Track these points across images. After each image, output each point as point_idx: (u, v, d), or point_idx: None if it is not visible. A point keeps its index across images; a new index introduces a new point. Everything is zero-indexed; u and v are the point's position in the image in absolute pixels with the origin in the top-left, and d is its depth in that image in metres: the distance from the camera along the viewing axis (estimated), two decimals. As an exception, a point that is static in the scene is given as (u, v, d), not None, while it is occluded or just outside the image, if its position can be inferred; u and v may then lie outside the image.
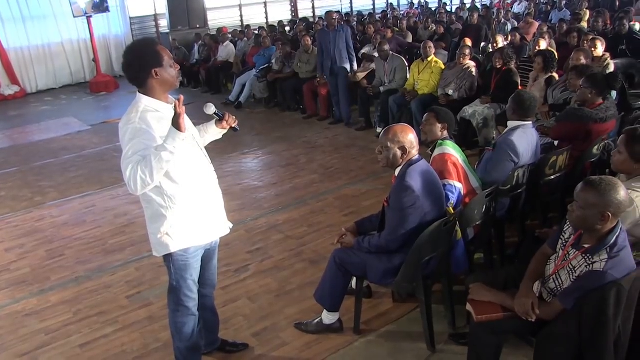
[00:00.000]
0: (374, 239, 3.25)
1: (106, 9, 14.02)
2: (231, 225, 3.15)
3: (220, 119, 2.91)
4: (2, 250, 5.29)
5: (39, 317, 4.08)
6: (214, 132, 3.02)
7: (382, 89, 7.95)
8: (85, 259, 4.92)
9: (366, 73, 8.64)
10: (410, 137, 3.17)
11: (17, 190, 6.86)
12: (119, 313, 4.02)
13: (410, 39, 10.75)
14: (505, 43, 8.12)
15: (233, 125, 2.97)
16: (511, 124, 4.05)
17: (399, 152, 3.16)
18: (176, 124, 2.44)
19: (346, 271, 3.37)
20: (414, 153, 3.20)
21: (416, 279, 3.23)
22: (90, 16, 13.60)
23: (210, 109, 2.85)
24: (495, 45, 7.74)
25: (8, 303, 4.32)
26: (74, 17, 13.61)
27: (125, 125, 2.57)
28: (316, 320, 3.55)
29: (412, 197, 3.05)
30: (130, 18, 15.81)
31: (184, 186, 2.72)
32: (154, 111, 2.62)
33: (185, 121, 2.55)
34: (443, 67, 7.36)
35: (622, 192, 2.37)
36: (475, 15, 10.99)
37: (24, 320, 4.07)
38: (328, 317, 3.49)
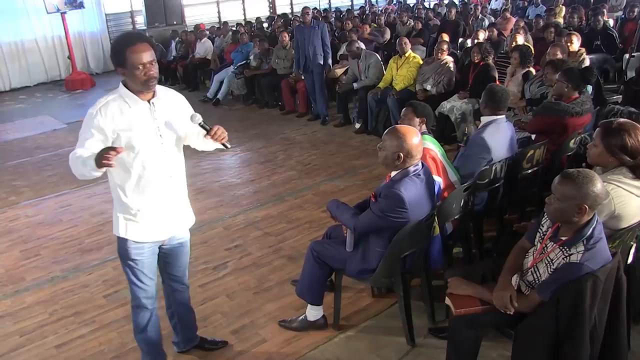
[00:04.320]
0: (348, 214, 3.25)
1: (80, 5, 13.77)
2: (190, 225, 3.13)
3: (206, 131, 2.75)
4: (-25, 251, 5.19)
5: (13, 319, 4.01)
6: (204, 142, 2.91)
7: (355, 85, 7.95)
8: (61, 259, 4.85)
9: (344, 69, 8.64)
10: (411, 143, 3.01)
11: (-10, 190, 6.75)
12: (95, 313, 3.96)
13: (388, 35, 10.76)
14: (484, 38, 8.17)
15: (223, 142, 2.80)
16: (484, 119, 4.07)
17: (394, 156, 3.04)
18: (98, 161, 2.43)
19: (323, 263, 3.36)
20: (414, 161, 3.07)
21: (394, 274, 3.22)
22: (64, 12, 13.37)
23: (196, 119, 2.73)
24: (476, 40, 7.77)
25: (-19, 305, 4.24)
26: (47, 13, 13.37)
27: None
28: (300, 317, 3.54)
29: (402, 212, 2.98)
30: (106, 14, 15.57)
31: (133, 180, 2.76)
32: (123, 102, 2.68)
33: (160, 113, 2.73)
34: (421, 62, 7.38)
35: (598, 185, 2.39)
36: (453, 11, 11.05)
37: (-2, 322, 4.00)
38: (312, 313, 3.48)
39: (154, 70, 2.62)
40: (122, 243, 2.90)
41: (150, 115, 2.72)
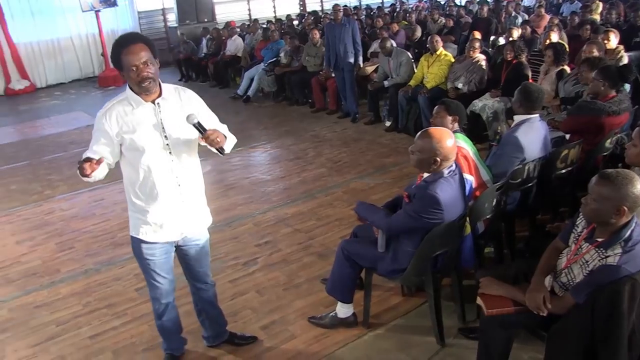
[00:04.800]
0: (379, 215, 3.25)
1: (114, 3, 14.05)
2: (205, 226, 3.09)
3: (201, 134, 2.68)
4: (13, 242, 5.32)
5: (49, 309, 4.10)
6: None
7: (386, 83, 7.92)
8: (94, 252, 4.93)
9: (375, 67, 8.61)
10: (446, 145, 2.96)
11: (27, 184, 6.88)
12: (127, 305, 4.03)
13: (419, 33, 10.68)
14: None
15: (218, 147, 2.71)
16: (517, 117, 4.00)
17: (430, 160, 2.98)
18: (80, 172, 2.51)
19: (354, 262, 3.35)
20: (449, 164, 3.02)
21: (425, 273, 3.21)
22: (99, 10, 13.63)
23: (191, 119, 2.65)
24: (510, 37, 7.66)
25: (19, 294, 4.35)
26: (82, 11, 13.68)
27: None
28: (330, 314, 3.54)
29: (437, 213, 2.95)
30: (139, 12, 15.81)
31: (141, 181, 2.78)
32: (127, 104, 2.70)
33: (166, 114, 2.70)
34: (452, 60, 7.32)
35: (638, 186, 2.33)
36: (485, 9, 10.90)
37: (34, 312, 4.09)
38: (342, 310, 3.48)
39: (148, 71, 2.58)
40: (134, 242, 2.95)
41: (154, 116, 2.70)
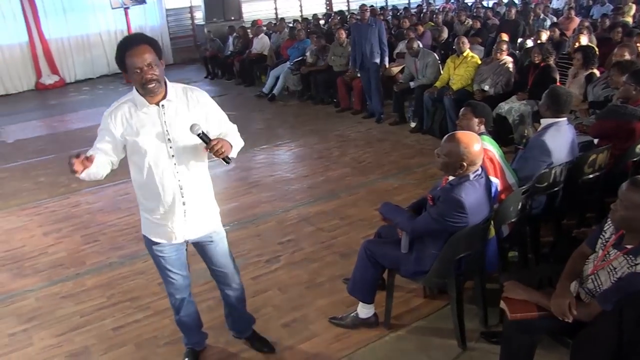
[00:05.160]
0: (403, 217, 3.24)
1: (143, 1, 14.22)
2: (211, 229, 2.99)
3: (206, 143, 2.63)
4: (41, 234, 5.42)
5: (74, 300, 4.17)
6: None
7: (412, 84, 7.88)
8: (118, 245, 5.00)
9: (401, 67, 8.58)
10: (473, 150, 2.94)
11: (55, 177, 6.98)
12: (150, 299, 4.07)
13: (445, 34, 10.62)
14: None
15: (223, 157, 2.65)
16: (544, 121, 3.95)
17: (457, 165, 2.96)
18: (70, 168, 2.47)
19: (376, 262, 3.35)
20: (475, 168, 3.00)
21: (448, 276, 3.19)
22: (128, 7, 13.80)
23: (195, 129, 2.60)
24: (538, 40, 7.57)
25: (46, 285, 4.44)
26: (112, 8, 13.87)
27: None
28: (351, 314, 3.53)
29: (461, 217, 2.94)
30: (167, 10, 15.97)
31: (144, 182, 2.78)
32: (132, 105, 2.69)
33: (171, 116, 2.67)
34: (479, 62, 7.25)
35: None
36: (513, 11, 10.80)
37: (60, 302, 4.17)
38: (363, 311, 3.47)
39: (152, 73, 2.54)
40: (145, 240, 3.00)
41: (158, 119, 2.68)
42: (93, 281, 4.41)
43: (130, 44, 2.54)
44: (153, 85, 2.56)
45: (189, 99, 2.74)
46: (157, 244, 2.93)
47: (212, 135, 2.71)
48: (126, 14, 13.95)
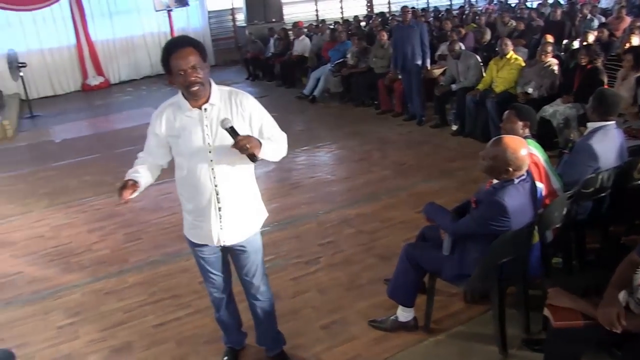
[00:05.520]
0: (446, 218, 3.21)
1: (186, 3, 14.45)
2: (247, 236, 2.94)
3: (233, 138, 2.58)
4: (85, 231, 5.55)
5: (117, 296, 4.26)
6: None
7: (453, 86, 7.80)
8: (160, 244, 5.08)
9: (442, 70, 8.50)
10: (521, 156, 2.89)
11: (99, 176, 7.14)
12: (191, 297, 4.12)
13: (488, 36, 10.46)
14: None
15: (250, 154, 2.59)
16: (591, 125, 3.85)
17: (502, 169, 2.92)
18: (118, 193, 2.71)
19: (417, 266, 3.32)
20: (520, 173, 2.95)
21: (490, 281, 3.14)
22: (171, 10, 14.05)
23: (225, 123, 2.58)
24: (585, 41, 7.39)
25: (90, 281, 4.55)
26: (156, 10, 14.17)
27: None
28: (391, 318, 3.50)
29: (504, 220, 2.89)
30: (209, 12, 16.19)
31: (183, 184, 2.84)
32: (177, 107, 2.71)
33: (213, 120, 2.66)
34: (523, 64, 7.12)
35: None
36: (558, 11, 10.56)
37: (104, 298, 4.26)
38: (403, 314, 3.45)
39: (196, 76, 2.53)
40: (186, 239, 3.03)
41: (199, 122, 2.67)
42: (135, 278, 4.50)
43: (176, 46, 2.55)
44: (196, 88, 2.56)
45: (232, 103, 2.70)
46: (196, 244, 2.97)
47: (261, 137, 2.73)
48: (169, 17, 14.21)
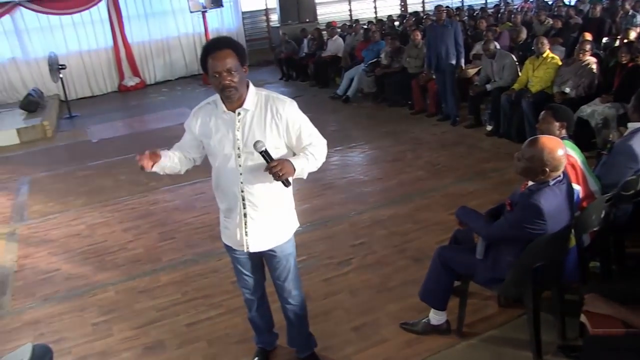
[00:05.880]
0: (479, 221, 3.15)
1: (220, 4, 14.58)
2: (279, 243, 2.90)
3: (267, 162, 2.54)
4: (121, 230, 5.64)
5: (150, 295, 4.32)
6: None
7: (488, 86, 7.68)
8: (194, 243, 5.12)
9: (477, 69, 8.39)
10: (556, 156, 2.81)
11: (135, 175, 7.22)
12: (223, 297, 4.14)
13: (524, 35, 10.27)
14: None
15: (282, 180, 2.54)
16: (632, 125, 3.75)
17: (538, 170, 2.84)
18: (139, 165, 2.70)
19: (450, 269, 3.27)
20: (557, 174, 2.87)
21: (525, 285, 3.07)
22: (206, 11, 14.20)
23: (259, 146, 2.53)
24: (626, 39, 7.19)
25: (125, 279, 4.61)
26: (191, 12, 14.36)
27: None
28: (423, 320, 3.46)
29: (540, 224, 2.82)
30: (243, 12, 16.31)
31: (214, 185, 2.85)
32: (214, 108, 2.72)
33: (246, 125, 2.63)
34: (559, 63, 6.96)
35: None
36: (598, 8, 10.29)
37: (138, 296, 4.32)
38: (435, 318, 3.40)
39: (230, 79, 2.49)
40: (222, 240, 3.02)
41: (232, 126, 2.65)
42: (168, 277, 4.55)
43: (214, 47, 2.53)
44: (230, 92, 2.53)
45: (268, 109, 2.65)
46: (227, 245, 2.98)
47: (294, 145, 2.71)
48: (204, 18, 14.35)
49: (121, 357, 3.61)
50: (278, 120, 2.65)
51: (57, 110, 12.47)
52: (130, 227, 5.68)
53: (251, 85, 2.68)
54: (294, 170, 2.57)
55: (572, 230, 3.11)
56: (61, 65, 11.84)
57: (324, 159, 2.80)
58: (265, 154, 2.53)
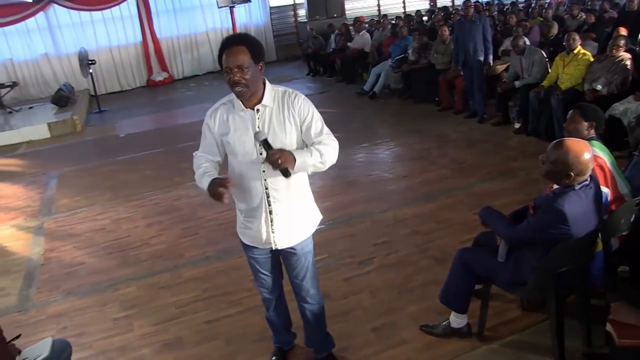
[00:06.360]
0: (502, 224, 3.08)
1: (248, 0, 14.62)
2: (299, 240, 2.88)
3: (266, 151, 2.52)
4: (144, 225, 5.68)
5: (171, 291, 4.33)
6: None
7: (517, 83, 7.51)
8: (216, 240, 5.13)
9: (505, 66, 8.23)
10: (582, 160, 2.71)
11: (159, 170, 7.31)
12: (243, 295, 4.13)
13: (555, 30, 10.04)
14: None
15: (282, 169, 2.50)
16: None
17: (563, 174, 2.75)
18: (211, 194, 2.57)
19: (471, 271, 3.20)
20: (582, 178, 2.77)
21: (548, 290, 2.98)
22: (234, 6, 14.25)
23: (258, 136, 2.54)
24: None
25: (147, 275, 4.65)
26: (219, 7, 14.42)
27: None
28: (443, 323, 3.40)
29: (563, 228, 2.73)
30: (270, 7, 16.32)
31: (235, 181, 2.74)
32: (231, 106, 2.68)
33: (265, 122, 2.61)
34: (591, 59, 6.78)
35: None
36: (636, 1, 9.96)
37: (158, 292, 4.35)
38: (456, 320, 3.34)
39: (241, 76, 2.48)
40: (239, 238, 2.99)
41: (251, 123, 2.63)
42: (189, 274, 4.56)
43: (229, 43, 2.52)
44: (239, 89, 2.51)
45: (285, 104, 2.64)
46: (246, 244, 2.95)
47: (309, 141, 2.67)
48: (231, 13, 14.41)
49: (140, 353, 3.62)
50: (294, 112, 2.65)
51: (87, 104, 12.67)
52: (154, 222, 5.72)
53: (267, 82, 2.66)
54: (294, 160, 2.53)
55: (599, 234, 3.01)
56: (91, 60, 12.02)
57: (332, 160, 2.71)
58: (265, 144, 2.53)
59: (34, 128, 10.43)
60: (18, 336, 2.86)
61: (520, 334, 3.38)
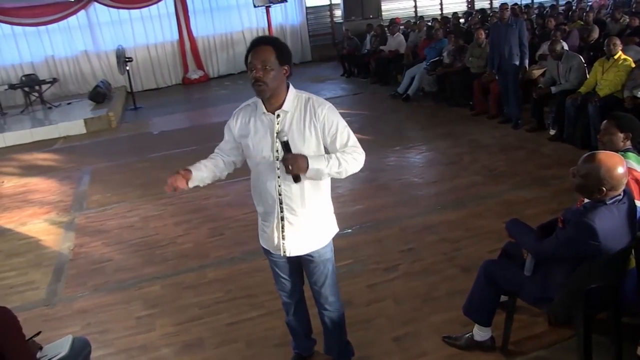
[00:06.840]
0: (529, 237, 2.99)
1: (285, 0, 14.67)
2: (314, 249, 2.82)
3: (285, 152, 2.52)
4: (172, 223, 5.72)
5: (195, 292, 4.34)
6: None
7: (553, 89, 7.32)
8: (242, 241, 5.12)
9: (542, 71, 8.05)
10: (615, 175, 2.61)
11: (190, 169, 7.33)
12: (266, 298, 4.10)
13: (596, 34, 9.79)
14: None
15: (293, 174, 2.51)
16: None
17: (595, 189, 2.66)
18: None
19: (496, 285, 3.11)
20: (615, 194, 2.67)
21: (576, 307, 2.88)
22: (270, 6, 14.30)
23: (281, 136, 2.51)
24: None
25: (171, 274, 4.67)
26: (255, 7, 14.49)
27: None
28: (467, 335, 3.31)
29: (592, 244, 2.62)
30: (307, 8, 16.34)
31: (252, 187, 2.81)
32: (254, 109, 2.68)
33: (285, 128, 2.58)
34: (633, 65, 6.56)
35: None
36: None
37: (182, 292, 4.35)
38: (479, 333, 3.25)
39: (262, 74, 2.47)
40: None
41: (270, 129, 2.60)
42: (214, 274, 4.56)
43: (257, 43, 2.55)
44: (260, 86, 2.49)
45: (307, 111, 2.60)
46: (264, 247, 2.94)
47: (334, 152, 2.62)
48: (267, 13, 14.47)
49: (160, 353, 3.64)
50: (316, 122, 2.60)
51: (123, 101, 12.87)
52: (182, 221, 5.74)
53: (291, 87, 2.63)
54: (307, 168, 2.51)
55: (632, 251, 2.89)
56: (128, 57, 12.20)
57: (352, 171, 2.66)
58: (284, 145, 2.51)
59: (71, 124, 10.64)
60: (38, 333, 2.90)
61: (547, 350, 3.28)
